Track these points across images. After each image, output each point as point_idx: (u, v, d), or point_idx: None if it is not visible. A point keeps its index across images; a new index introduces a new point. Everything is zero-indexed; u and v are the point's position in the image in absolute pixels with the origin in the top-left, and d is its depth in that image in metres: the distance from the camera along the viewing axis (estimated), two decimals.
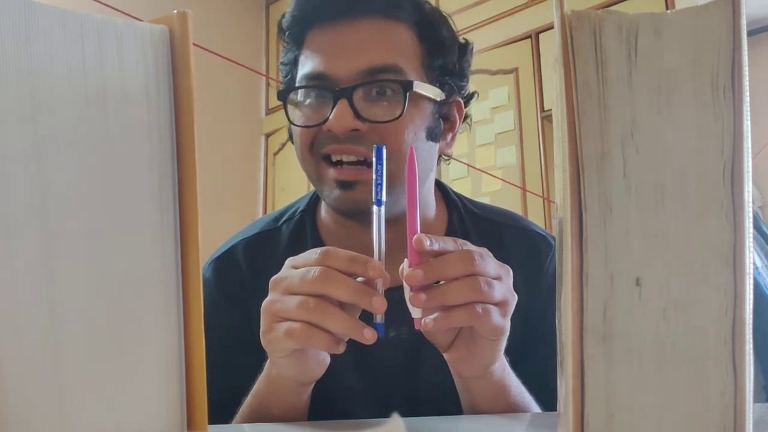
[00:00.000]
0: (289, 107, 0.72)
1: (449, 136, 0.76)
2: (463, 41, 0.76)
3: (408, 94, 0.67)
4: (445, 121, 0.75)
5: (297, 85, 0.71)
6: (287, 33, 0.73)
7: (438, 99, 0.71)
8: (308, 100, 0.70)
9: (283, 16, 0.74)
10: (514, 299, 0.54)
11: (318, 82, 0.68)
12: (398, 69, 0.68)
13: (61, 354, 0.32)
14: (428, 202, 0.78)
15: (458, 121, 0.77)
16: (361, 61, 0.67)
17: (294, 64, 0.73)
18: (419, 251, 0.50)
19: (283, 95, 0.72)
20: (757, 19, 3.24)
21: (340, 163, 0.68)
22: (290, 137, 0.77)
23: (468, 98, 0.79)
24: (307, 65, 0.70)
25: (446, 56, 0.73)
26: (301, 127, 0.70)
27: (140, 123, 0.36)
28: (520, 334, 0.68)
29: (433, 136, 0.72)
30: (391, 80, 0.67)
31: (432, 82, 0.71)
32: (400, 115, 0.67)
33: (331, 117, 0.66)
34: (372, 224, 0.52)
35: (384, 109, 0.67)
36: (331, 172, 0.68)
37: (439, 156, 0.77)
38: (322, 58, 0.68)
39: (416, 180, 0.52)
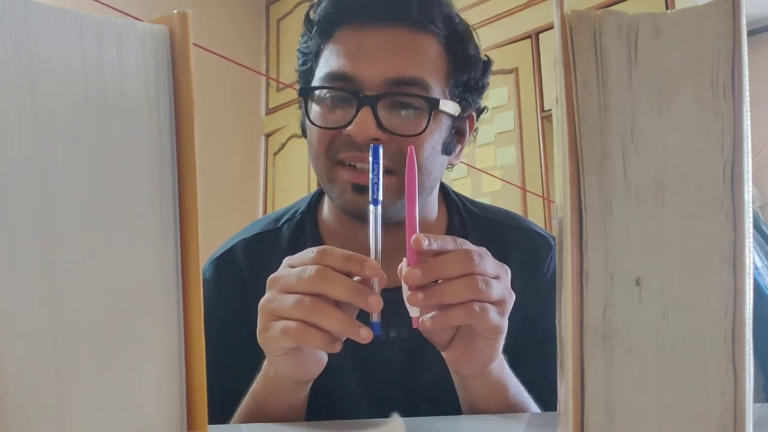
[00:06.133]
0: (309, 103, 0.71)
1: (458, 148, 0.76)
2: (485, 59, 0.76)
3: (433, 112, 0.67)
4: (457, 135, 0.75)
5: (319, 80, 0.70)
6: (316, 27, 0.72)
7: (456, 114, 0.71)
8: (328, 100, 0.69)
9: (311, 7, 0.73)
10: (511, 298, 0.54)
11: (342, 83, 0.68)
12: (424, 83, 0.67)
13: (61, 354, 0.32)
14: (433, 207, 0.78)
15: (468, 134, 0.77)
16: (389, 69, 0.66)
17: (316, 55, 0.72)
18: (418, 251, 0.50)
19: (306, 92, 0.70)
20: (757, 19, 3.24)
21: (354, 166, 0.68)
22: (303, 132, 0.76)
23: (479, 112, 0.78)
24: (332, 62, 0.69)
25: (470, 73, 0.73)
26: (321, 128, 0.69)
27: (140, 123, 0.36)
28: (519, 334, 0.69)
29: (447, 149, 0.72)
30: (418, 96, 0.67)
31: (453, 97, 0.71)
32: (423, 131, 0.67)
33: (353, 124, 0.66)
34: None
35: (405, 122, 0.67)
36: (346, 174, 0.68)
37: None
38: (349, 58, 0.68)
39: (416, 179, 0.52)
